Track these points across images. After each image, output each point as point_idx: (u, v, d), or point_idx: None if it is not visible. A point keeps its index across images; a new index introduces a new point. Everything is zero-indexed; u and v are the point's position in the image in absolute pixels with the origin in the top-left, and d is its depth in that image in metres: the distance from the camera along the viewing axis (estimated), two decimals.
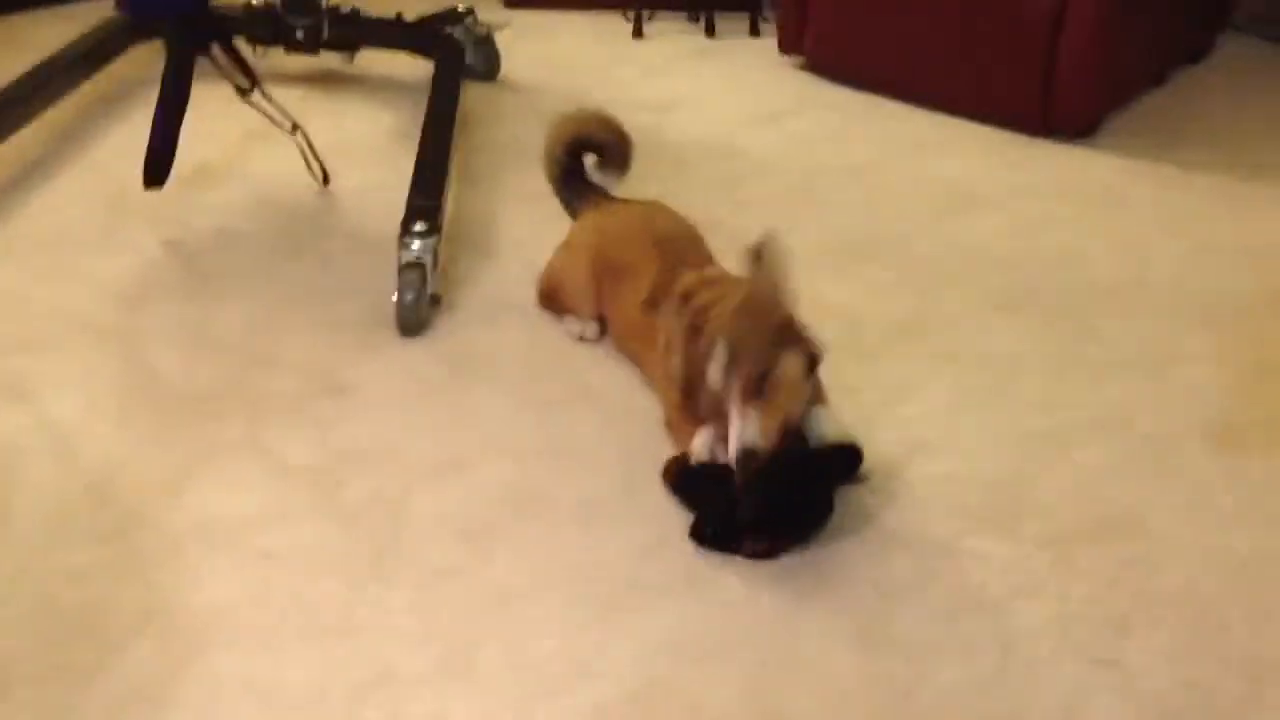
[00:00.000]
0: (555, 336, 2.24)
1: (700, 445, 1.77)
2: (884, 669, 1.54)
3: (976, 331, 2.27)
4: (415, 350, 2.19)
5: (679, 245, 2.10)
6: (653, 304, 1.96)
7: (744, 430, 1.61)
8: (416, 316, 2.21)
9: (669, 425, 1.91)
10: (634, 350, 2.11)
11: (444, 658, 1.56)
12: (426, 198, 2.34)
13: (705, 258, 2.10)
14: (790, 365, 1.68)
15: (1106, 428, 2.00)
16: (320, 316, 2.28)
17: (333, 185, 2.71)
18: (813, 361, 1.73)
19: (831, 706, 1.49)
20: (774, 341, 1.68)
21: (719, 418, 1.71)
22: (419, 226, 2.22)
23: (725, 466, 1.70)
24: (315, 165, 2.66)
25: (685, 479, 1.78)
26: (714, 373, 1.67)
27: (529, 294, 2.33)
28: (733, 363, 1.65)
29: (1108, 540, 1.76)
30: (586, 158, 2.33)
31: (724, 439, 1.70)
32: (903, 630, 1.60)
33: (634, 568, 1.71)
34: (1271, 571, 1.71)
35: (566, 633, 1.61)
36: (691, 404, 1.77)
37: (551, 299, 2.27)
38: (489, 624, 1.61)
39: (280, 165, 2.74)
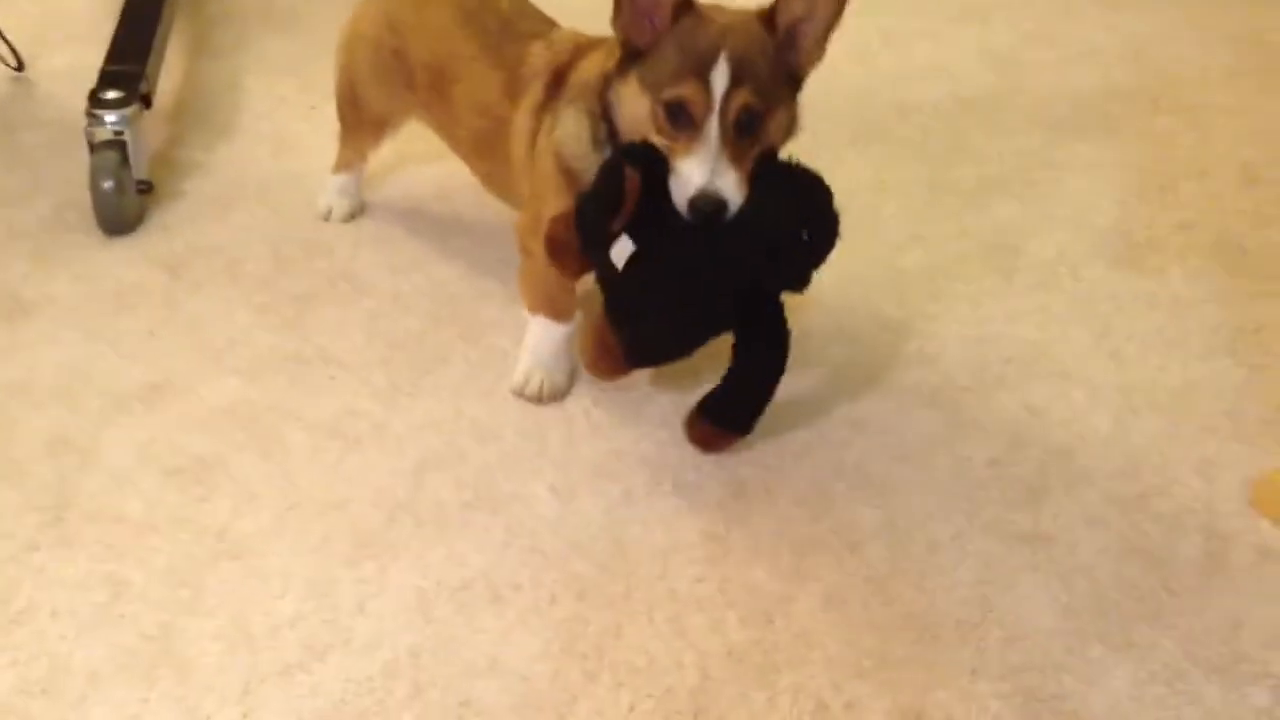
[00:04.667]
0: (311, 219, 1.77)
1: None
2: None
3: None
4: (122, 252, 1.70)
5: (501, 17, 1.50)
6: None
7: (716, 177, 1.19)
8: (120, 208, 1.72)
9: (525, 251, 1.44)
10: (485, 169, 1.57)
11: (136, 650, 1.13)
12: (125, 61, 1.83)
13: (539, 24, 1.50)
14: (792, 114, 1.28)
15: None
16: (2, 222, 1.77)
17: (32, 69, 2.17)
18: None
19: None
20: (778, 78, 1.23)
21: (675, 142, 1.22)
22: (112, 94, 1.72)
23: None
24: (3, 46, 2.12)
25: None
26: (689, 91, 1.19)
27: (277, 173, 1.86)
28: (732, 86, 1.19)
29: None
30: None
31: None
32: None
33: (405, 496, 1.30)
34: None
35: (309, 594, 1.18)
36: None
37: (350, 107, 1.71)
38: (208, 585, 1.18)
39: None
